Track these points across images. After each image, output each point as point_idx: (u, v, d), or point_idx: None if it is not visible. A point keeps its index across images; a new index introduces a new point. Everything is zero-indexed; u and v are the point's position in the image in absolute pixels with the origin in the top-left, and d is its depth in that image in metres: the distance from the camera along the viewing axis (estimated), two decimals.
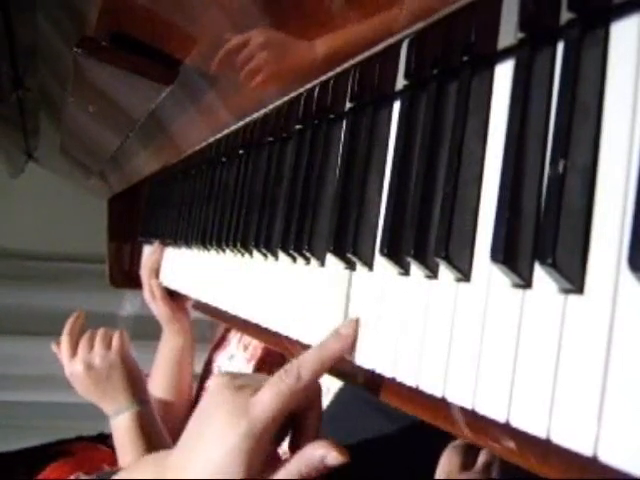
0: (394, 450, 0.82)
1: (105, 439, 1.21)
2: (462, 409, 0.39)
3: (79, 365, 1.06)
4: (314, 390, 0.52)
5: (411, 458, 0.80)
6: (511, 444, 0.37)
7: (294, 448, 0.50)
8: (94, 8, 0.52)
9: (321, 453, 0.48)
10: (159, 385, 1.25)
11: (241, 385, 0.50)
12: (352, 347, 0.50)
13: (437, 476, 0.65)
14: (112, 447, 1.07)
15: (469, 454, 0.66)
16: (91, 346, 1.09)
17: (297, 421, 0.51)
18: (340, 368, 0.54)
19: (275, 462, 0.49)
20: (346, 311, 0.52)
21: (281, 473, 0.48)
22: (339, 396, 0.97)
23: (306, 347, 0.58)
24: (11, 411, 2.24)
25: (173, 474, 0.49)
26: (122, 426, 1.02)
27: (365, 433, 0.85)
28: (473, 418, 0.38)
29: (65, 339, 1.12)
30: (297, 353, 0.62)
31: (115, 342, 1.10)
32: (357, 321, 0.50)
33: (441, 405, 0.42)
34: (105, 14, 0.52)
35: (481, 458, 0.65)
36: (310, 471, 0.48)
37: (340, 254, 0.51)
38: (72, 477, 1.01)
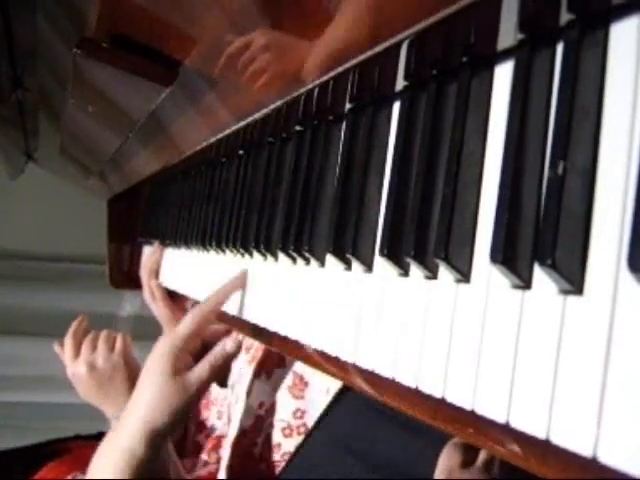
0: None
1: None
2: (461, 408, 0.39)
3: (82, 366, 1.06)
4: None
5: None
6: (512, 445, 0.37)
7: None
8: (94, 9, 0.52)
9: (222, 342, 0.71)
10: None
11: None
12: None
13: (437, 475, 0.65)
14: None
15: (469, 452, 0.66)
16: (94, 347, 1.09)
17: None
18: (339, 369, 0.54)
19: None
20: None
21: (200, 365, 0.69)
22: (339, 399, 0.97)
23: (305, 348, 0.58)
24: (10, 411, 2.25)
25: (124, 415, 0.67)
26: None
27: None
28: (472, 418, 0.38)
29: (68, 340, 1.12)
30: (295, 353, 0.62)
31: (118, 344, 1.09)
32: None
33: (440, 405, 0.42)
34: (105, 15, 0.52)
35: (481, 456, 0.66)
36: (218, 359, 0.70)
37: (340, 255, 0.51)
38: (69, 477, 1.01)
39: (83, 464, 1.05)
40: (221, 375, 0.76)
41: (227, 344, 0.71)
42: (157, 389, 0.65)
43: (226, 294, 0.74)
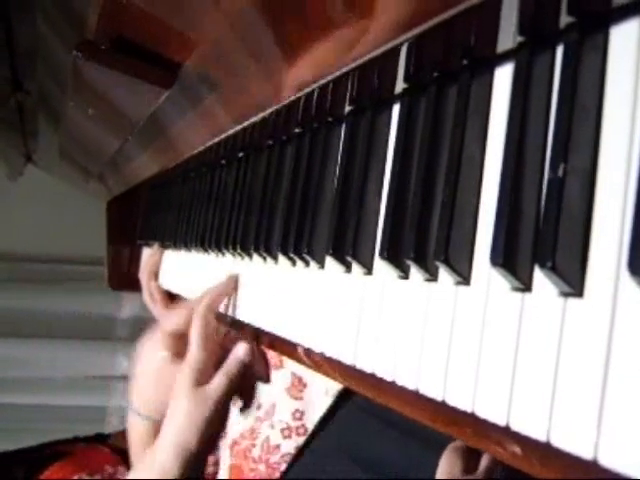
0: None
1: (103, 439, 1.21)
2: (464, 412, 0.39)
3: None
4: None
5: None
6: (512, 447, 0.37)
7: None
8: (94, 12, 0.52)
9: (235, 351, 0.70)
10: None
11: None
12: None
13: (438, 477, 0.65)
14: (111, 447, 1.06)
15: (471, 456, 0.65)
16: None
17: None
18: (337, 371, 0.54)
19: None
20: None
21: (216, 378, 0.67)
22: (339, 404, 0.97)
23: (305, 350, 0.58)
24: (9, 414, 2.24)
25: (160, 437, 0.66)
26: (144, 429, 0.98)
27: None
28: (473, 420, 0.38)
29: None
30: (293, 355, 0.62)
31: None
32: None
33: (440, 408, 0.42)
34: (105, 18, 0.52)
35: (483, 462, 0.65)
36: (232, 368, 0.68)
37: (340, 257, 0.51)
38: (75, 477, 1.01)
39: (87, 465, 1.05)
40: (247, 396, 0.76)
41: (239, 351, 0.70)
42: (180, 408, 0.65)
43: (219, 295, 0.75)
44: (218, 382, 0.66)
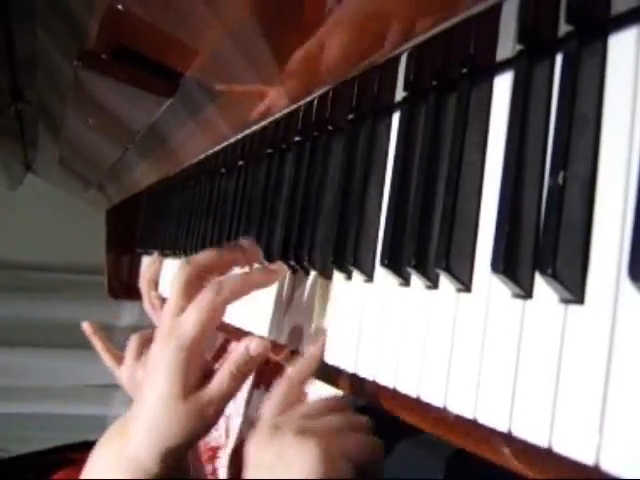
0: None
1: None
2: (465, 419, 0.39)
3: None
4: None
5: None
6: (515, 453, 0.37)
7: None
8: (94, 21, 0.53)
9: (244, 344, 0.54)
10: None
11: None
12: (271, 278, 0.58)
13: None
14: None
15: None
16: None
17: None
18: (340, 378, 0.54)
19: (211, 375, 0.54)
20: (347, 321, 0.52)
21: (217, 377, 0.53)
22: None
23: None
24: (10, 423, 2.24)
25: (131, 422, 0.54)
26: None
27: None
28: (474, 426, 0.38)
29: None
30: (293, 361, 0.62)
31: None
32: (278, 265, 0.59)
33: (442, 414, 0.42)
34: (105, 27, 0.52)
35: (334, 417, 0.49)
36: (240, 366, 0.53)
37: (341, 265, 0.52)
38: None
39: None
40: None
41: (251, 345, 0.54)
42: (166, 415, 0.52)
43: (254, 281, 0.57)
44: (217, 388, 0.53)
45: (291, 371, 0.53)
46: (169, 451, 0.52)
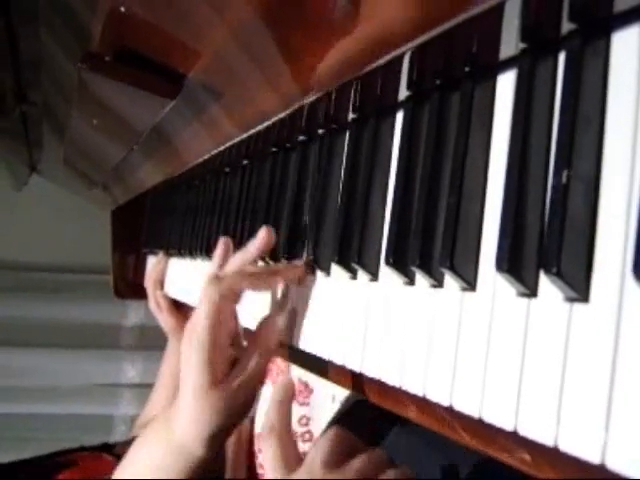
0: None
1: (109, 449, 1.21)
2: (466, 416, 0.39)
3: None
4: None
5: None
6: (520, 452, 0.37)
7: None
8: (98, 23, 0.53)
9: (269, 321, 0.60)
10: (164, 394, 1.24)
11: None
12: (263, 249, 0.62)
13: (297, 475, 0.53)
14: (117, 456, 1.06)
15: (344, 449, 0.54)
16: None
17: None
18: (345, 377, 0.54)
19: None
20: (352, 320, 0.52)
21: (241, 362, 0.57)
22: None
23: (307, 355, 0.58)
24: (16, 423, 2.25)
25: (174, 414, 0.58)
26: None
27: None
28: (480, 425, 0.38)
29: None
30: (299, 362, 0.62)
31: None
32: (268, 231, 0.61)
33: (447, 413, 0.42)
34: (109, 29, 0.53)
35: (355, 462, 0.52)
36: (268, 344, 0.58)
37: (345, 264, 0.52)
38: None
39: (92, 475, 1.04)
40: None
41: (279, 316, 0.59)
42: (201, 405, 0.55)
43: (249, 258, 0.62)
44: (246, 376, 0.56)
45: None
46: (211, 436, 0.56)
